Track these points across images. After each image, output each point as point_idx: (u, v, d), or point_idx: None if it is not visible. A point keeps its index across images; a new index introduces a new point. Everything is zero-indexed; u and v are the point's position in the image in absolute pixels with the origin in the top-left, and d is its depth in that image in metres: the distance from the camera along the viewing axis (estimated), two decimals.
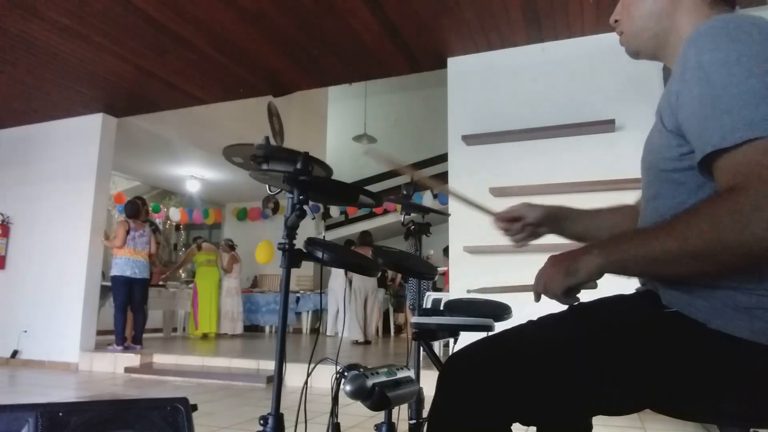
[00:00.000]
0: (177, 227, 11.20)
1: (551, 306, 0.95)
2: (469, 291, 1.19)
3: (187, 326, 8.74)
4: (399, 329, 9.38)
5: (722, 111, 0.74)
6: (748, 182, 0.70)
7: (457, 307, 1.80)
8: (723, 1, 0.95)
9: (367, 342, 7.29)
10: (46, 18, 4.00)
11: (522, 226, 1.22)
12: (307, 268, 10.08)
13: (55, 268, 5.82)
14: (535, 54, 4.29)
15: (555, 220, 1.21)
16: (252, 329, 9.31)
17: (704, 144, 0.76)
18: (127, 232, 5.91)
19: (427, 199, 8.78)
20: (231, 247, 8.70)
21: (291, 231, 1.37)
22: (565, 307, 0.93)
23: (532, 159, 4.11)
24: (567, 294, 0.86)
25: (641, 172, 0.99)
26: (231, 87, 5.22)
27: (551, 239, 1.28)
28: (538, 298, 0.92)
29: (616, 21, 1.06)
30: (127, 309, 5.90)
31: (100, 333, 5.99)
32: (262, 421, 1.32)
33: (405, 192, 2.02)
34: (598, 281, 0.85)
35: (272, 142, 1.42)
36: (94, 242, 5.79)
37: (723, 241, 0.71)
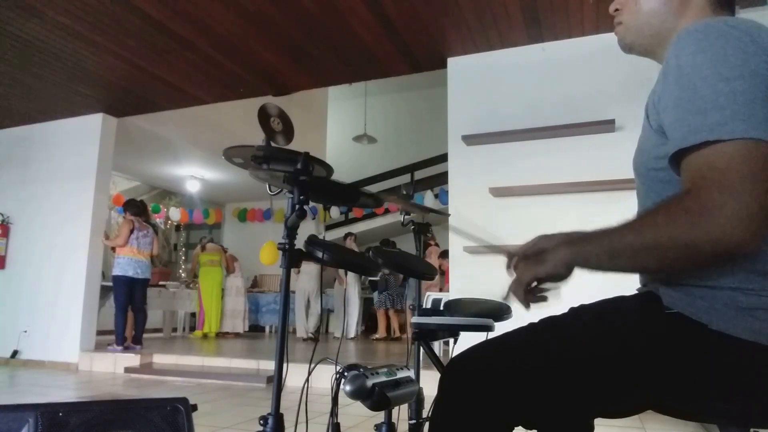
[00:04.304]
0: (177, 227, 11.21)
1: (552, 308, 0.95)
2: (451, 225, 1.17)
3: (193, 326, 8.77)
4: (399, 329, 9.36)
5: (691, 112, 0.76)
6: (700, 184, 0.73)
7: (457, 307, 1.79)
8: (725, 5, 0.95)
9: (312, 339, 7.68)
10: (46, 18, 4.00)
11: None
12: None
13: (55, 268, 5.82)
14: (535, 54, 4.28)
15: None
16: (252, 329, 9.32)
17: (673, 143, 0.79)
18: (131, 231, 5.91)
19: (428, 199, 8.78)
20: (223, 249, 8.86)
21: (291, 231, 1.37)
22: (565, 310, 0.93)
23: (532, 159, 4.10)
24: (531, 288, 0.87)
25: (633, 172, 1.00)
26: (231, 87, 5.22)
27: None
28: (506, 297, 0.93)
29: (616, 10, 1.04)
30: (128, 309, 5.90)
31: (100, 333, 5.99)
32: (262, 421, 1.32)
33: (405, 192, 2.02)
34: (563, 280, 0.86)
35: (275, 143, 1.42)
36: (94, 242, 5.79)
37: (675, 238, 0.73)
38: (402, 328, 8.46)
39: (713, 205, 0.70)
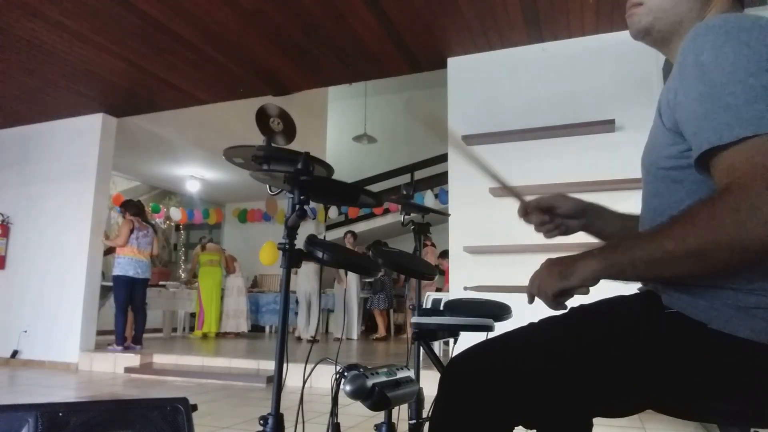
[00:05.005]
0: (177, 227, 11.21)
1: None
2: (466, 288, 1.18)
3: (193, 326, 8.77)
4: (399, 329, 9.38)
5: (719, 109, 0.74)
6: (744, 180, 0.70)
7: (457, 307, 1.80)
8: (739, 2, 0.94)
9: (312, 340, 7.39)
10: (46, 18, 4.00)
11: (552, 218, 1.15)
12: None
13: (55, 268, 5.82)
14: (535, 54, 4.28)
15: (587, 214, 1.15)
16: (252, 329, 9.32)
17: (701, 141, 0.76)
18: (131, 232, 5.91)
19: (428, 199, 8.78)
20: (222, 250, 8.89)
21: (291, 231, 1.37)
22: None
23: (532, 159, 4.10)
24: (558, 297, 0.86)
25: (641, 171, 0.98)
26: (231, 87, 5.22)
27: (555, 239, 1.25)
28: (531, 300, 0.91)
29: None
30: (128, 309, 5.90)
31: (100, 333, 5.99)
32: (262, 421, 1.32)
33: (405, 192, 2.02)
34: (591, 287, 0.84)
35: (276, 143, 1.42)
36: (94, 242, 5.79)
37: (720, 240, 0.71)
38: (401, 328, 8.46)
39: (760, 203, 0.68)
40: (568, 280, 0.84)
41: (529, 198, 1.17)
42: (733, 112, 0.73)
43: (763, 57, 0.74)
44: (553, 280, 0.85)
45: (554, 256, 0.88)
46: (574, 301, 0.95)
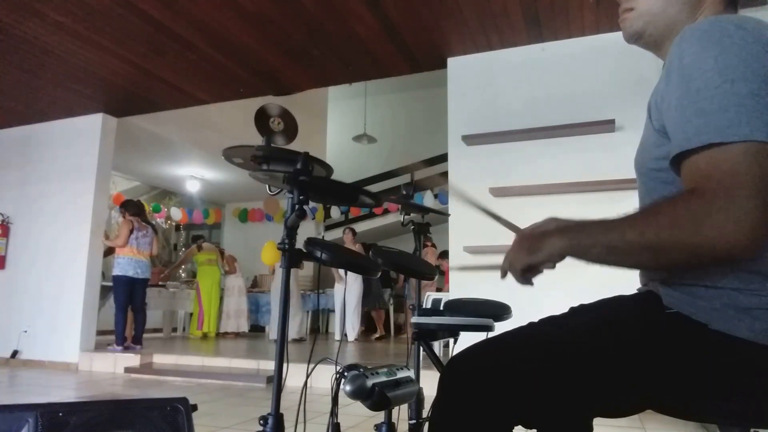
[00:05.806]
0: (177, 227, 11.21)
1: (553, 306, 0.95)
2: (451, 268, 1.17)
3: (188, 326, 8.76)
4: (399, 329, 9.39)
5: (693, 114, 0.75)
6: (705, 186, 0.72)
7: (457, 307, 1.80)
8: (733, 3, 0.94)
9: (300, 340, 7.54)
10: (46, 18, 4.00)
11: None
12: (308, 268, 10.06)
13: (55, 268, 5.82)
14: (535, 54, 4.29)
15: None
16: (252, 329, 9.33)
17: (674, 145, 0.78)
18: (131, 232, 5.91)
19: (427, 200, 8.78)
20: (220, 250, 8.88)
21: (291, 231, 1.37)
22: (565, 309, 0.93)
23: (532, 159, 4.10)
24: (526, 273, 0.87)
25: (635, 172, 0.99)
26: (231, 87, 5.22)
27: None
28: (503, 275, 0.92)
29: None
30: (128, 309, 5.90)
31: (100, 333, 5.99)
32: (262, 421, 1.32)
33: (405, 192, 2.02)
34: (556, 263, 0.85)
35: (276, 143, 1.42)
36: (94, 242, 5.79)
37: (676, 239, 0.73)
38: (401, 328, 8.45)
39: (717, 209, 0.69)
40: (535, 255, 0.84)
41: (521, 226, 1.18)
42: (705, 118, 0.74)
43: (742, 64, 0.74)
44: (522, 255, 0.86)
45: (524, 232, 0.88)
46: (575, 302, 0.96)
